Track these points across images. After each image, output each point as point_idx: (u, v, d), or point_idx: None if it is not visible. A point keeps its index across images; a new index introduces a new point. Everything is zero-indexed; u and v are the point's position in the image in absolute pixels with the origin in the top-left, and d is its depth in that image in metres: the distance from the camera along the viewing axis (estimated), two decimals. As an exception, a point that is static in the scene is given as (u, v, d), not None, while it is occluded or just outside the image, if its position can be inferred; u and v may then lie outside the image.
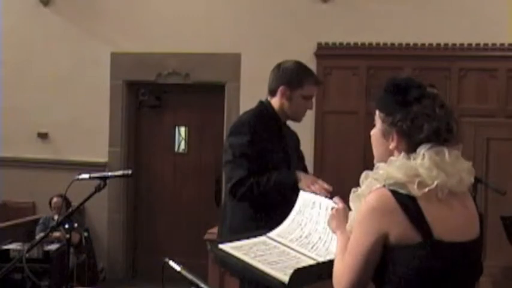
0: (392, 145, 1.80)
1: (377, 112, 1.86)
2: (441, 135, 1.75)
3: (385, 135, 1.82)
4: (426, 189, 1.69)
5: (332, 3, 6.32)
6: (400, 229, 1.67)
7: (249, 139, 3.07)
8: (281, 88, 3.20)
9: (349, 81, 6.20)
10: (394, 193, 1.69)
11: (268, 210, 3.00)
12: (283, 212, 2.66)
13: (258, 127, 3.13)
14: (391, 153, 1.81)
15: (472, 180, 1.81)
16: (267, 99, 3.28)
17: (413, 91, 1.78)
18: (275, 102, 3.24)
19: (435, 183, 1.70)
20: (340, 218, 2.00)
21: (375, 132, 1.88)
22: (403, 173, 1.71)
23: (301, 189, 2.74)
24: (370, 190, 1.74)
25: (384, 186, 1.72)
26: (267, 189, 2.99)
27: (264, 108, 3.25)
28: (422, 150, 1.74)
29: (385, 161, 1.80)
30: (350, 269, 1.74)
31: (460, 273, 1.74)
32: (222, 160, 3.22)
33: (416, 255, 1.66)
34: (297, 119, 3.32)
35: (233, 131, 3.15)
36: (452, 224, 1.72)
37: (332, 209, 2.11)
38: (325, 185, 2.86)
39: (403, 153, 1.77)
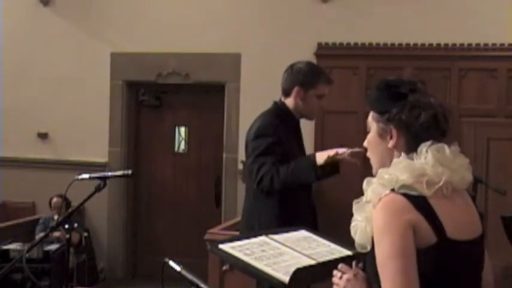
0: (391, 143, 1.76)
1: (371, 114, 1.83)
2: (440, 123, 1.75)
3: (382, 134, 1.79)
4: (436, 187, 1.67)
5: (332, 3, 6.31)
6: (419, 229, 1.63)
7: (274, 141, 3.16)
8: (295, 89, 3.28)
9: (349, 81, 6.20)
10: (406, 196, 1.66)
11: (293, 208, 3.16)
12: (307, 210, 3.02)
13: (280, 129, 3.23)
14: (390, 154, 1.77)
15: (471, 177, 1.79)
16: (280, 100, 3.37)
17: (406, 85, 1.78)
18: (289, 102, 3.32)
19: (442, 179, 1.68)
20: (358, 284, 1.79)
21: (370, 137, 1.84)
22: (409, 174, 1.68)
23: (321, 163, 3.04)
24: (380, 197, 1.68)
25: (393, 190, 1.68)
26: (288, 177, 3.07)
27: (280, 109, 3.32)
28: (423, 148, 1.71)
29: (385, 164, 1.76)
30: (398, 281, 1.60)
31: (470, 272, 1.73)
32: (247, 163, 3.28)
33: (432, 256, 1.63)
34: (311, 117, 3.46)
35: (257, 135, 3.21)
36: (460, 221, 1.71)
37: (340, 274, 1.84)
38: (341, 150, 3.12)
39: (403, 154, 1.74)
